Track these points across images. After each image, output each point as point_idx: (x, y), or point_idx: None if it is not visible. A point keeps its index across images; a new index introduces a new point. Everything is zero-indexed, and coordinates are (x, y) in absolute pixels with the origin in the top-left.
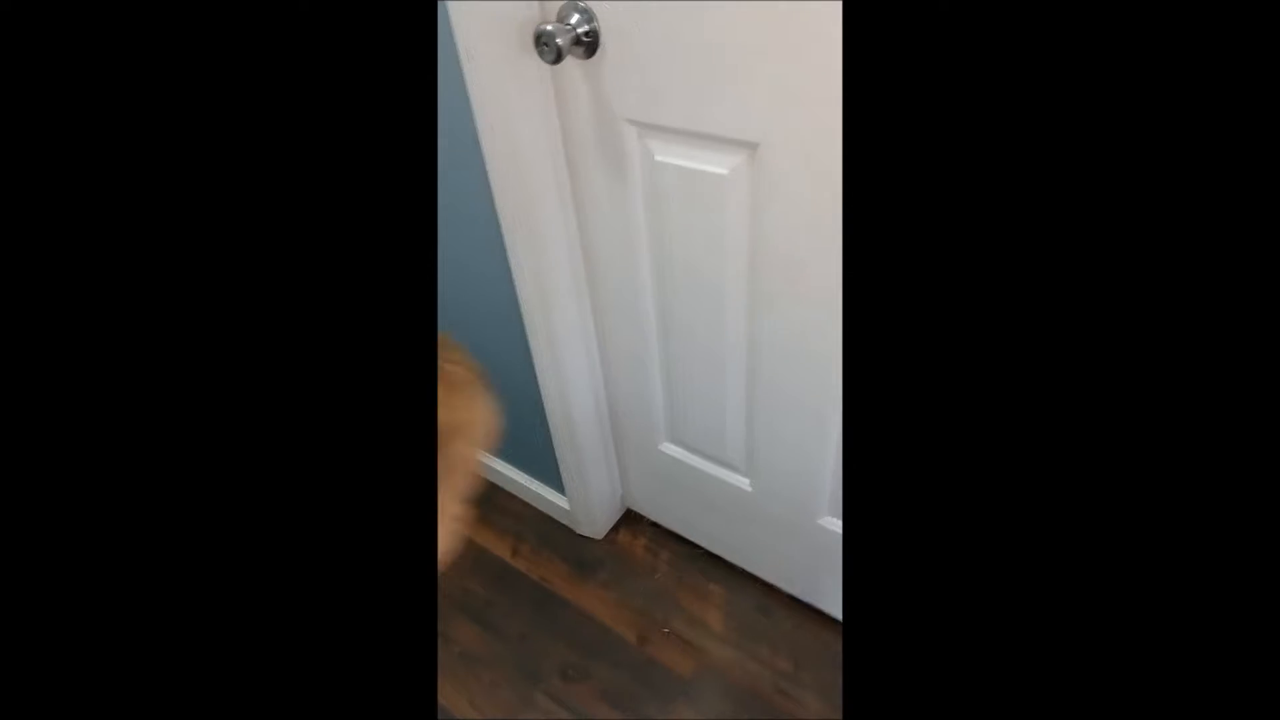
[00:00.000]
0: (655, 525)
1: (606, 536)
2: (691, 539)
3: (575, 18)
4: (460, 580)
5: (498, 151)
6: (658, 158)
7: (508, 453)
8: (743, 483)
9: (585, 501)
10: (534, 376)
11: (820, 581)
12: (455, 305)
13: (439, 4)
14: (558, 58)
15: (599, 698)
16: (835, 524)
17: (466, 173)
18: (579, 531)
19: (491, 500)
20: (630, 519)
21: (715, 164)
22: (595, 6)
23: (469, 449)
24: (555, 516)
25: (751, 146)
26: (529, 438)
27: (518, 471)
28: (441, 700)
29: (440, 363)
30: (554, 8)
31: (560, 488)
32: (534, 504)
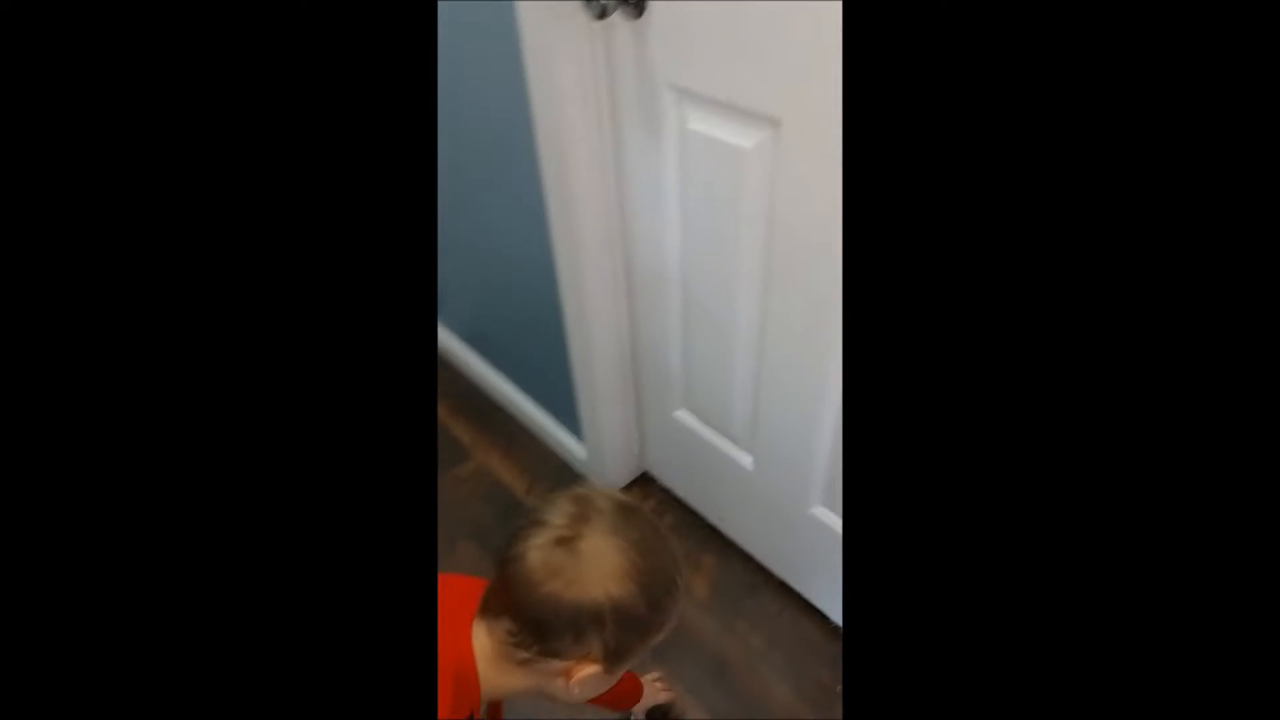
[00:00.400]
0: (666, 491)
1: (625, 491)
2: (696, 509)
3: None
4: (472, 503)
5: (544, 97)
6: (689, 125)
7: (535, 392)
8: (745, 459)
9: (600, 453)
10: (562, 320)
11: (808, 571)
12: (492, 241)
13: None
14: (603, 14)
15: None
16: (827, 515)
17: (514, 118)
18: (593, 483)
19: (516, 438)
20: (645, 481)
21: (740, 137)
22: None
23: None
24: (573, 465)
25: (775, 123)
26: (555, 382)
27: (543, 413)
28: None
29: None
30: None
31: (580, 436)
32: (555, 449)
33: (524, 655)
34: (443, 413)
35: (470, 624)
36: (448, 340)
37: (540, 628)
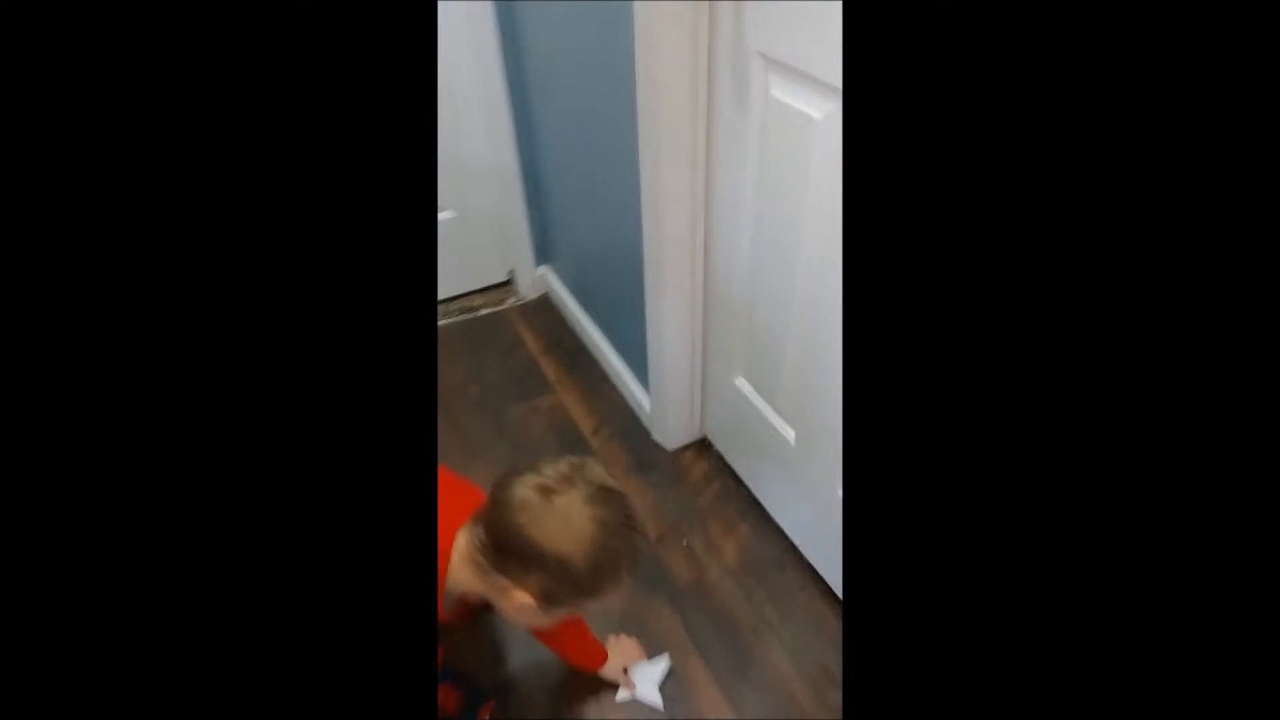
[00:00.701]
0: (720, 457)
1: (674, 451)
2: (743, 478)
3: None
4: (542, 433)
5: (648, 67)
6: (772, 92)
7: (618, 343)
8: (789, 433)
9: (664, 409)
10: (642, 272)
11: (834, 557)
12: (594, 194)
13: None
14: None
15: None
16: None
17: (619, 91)
18: (653, 437)
19: (595, 384)
20: (703, 445)
21: (813, 106)
22: None
23: None
24: (640, 417)
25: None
26: (631, 331)
27: (619, 360)
28: None
29: None
30: None
31: (650, 391)
32: (627, 400)
33: (482, 562)
34: (536, 350)
35: (459, 527)
36: (554, 285)
37: (499, 546)
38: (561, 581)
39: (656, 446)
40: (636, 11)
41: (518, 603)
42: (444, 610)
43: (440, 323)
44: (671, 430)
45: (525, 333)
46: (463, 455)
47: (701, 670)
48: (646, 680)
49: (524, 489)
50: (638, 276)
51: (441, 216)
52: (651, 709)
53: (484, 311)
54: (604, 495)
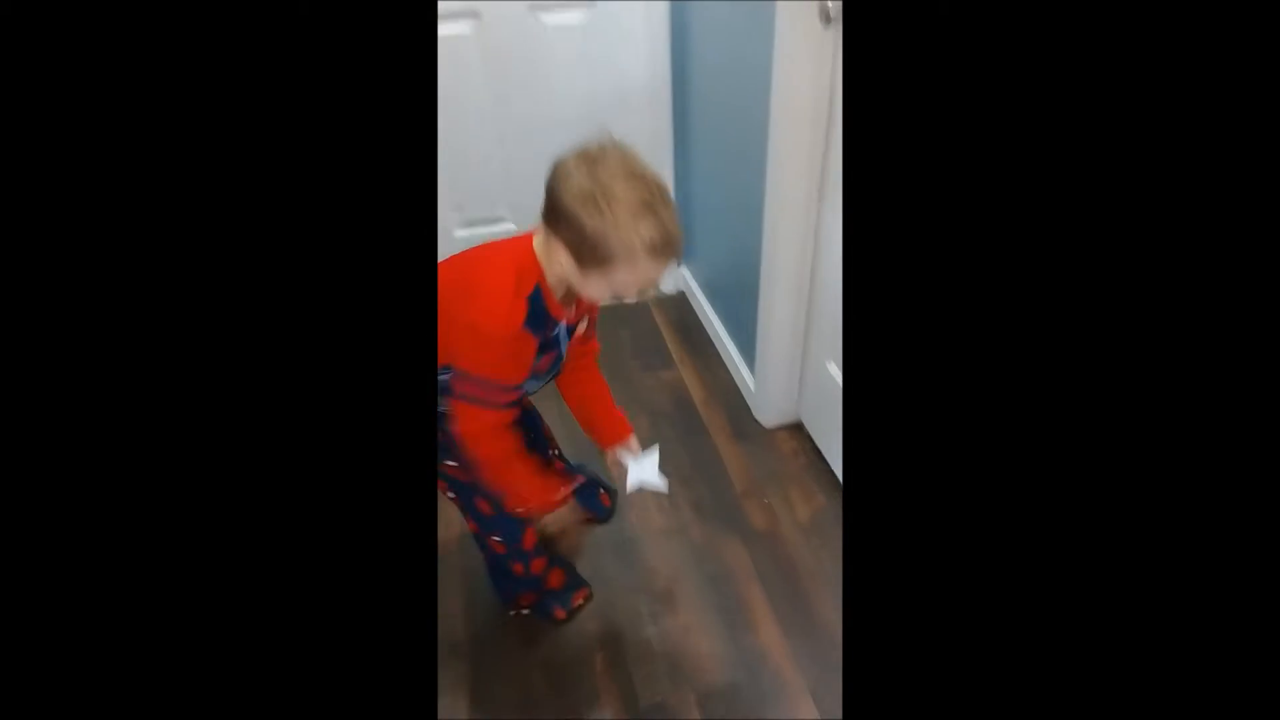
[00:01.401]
0: (810, 440)
1: (771, 429)
2: (828, 459)
3: None
4: (660, 398)
5: (783, 91)
6: None
7: (731, 325)
8: None
9: (765, 389)
10: (759, 270)
11: None
12: (726, 202)
13: None
14: (827, 20)
15: (683, 485)
16: None
17: (755, 108)
18: (754, 414)
19: (710, 362)
20: (796, 428)
21: None
22: None
23: None
24: (743, 393)
25: None
26: (745, 321)
27: (734, 346)
28: None
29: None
30: None
31: (754, 371)
32: (734, 378)
33: (543, 225)
34: (666, 333)
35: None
36: (690, 282)
37: (548, 203)
38: (582, 240)
39: (755, 422)
40: (778, 34)
41: (561, 260)
42: (559, 306)
43: None
44: (770, 409)
45: (659, 318)
46: None
47: (761, 599)
48: (649, 467)
49: (572, 161)
50: (755, 274)
51: None
52: (657, 491)
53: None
54: (639, 176)
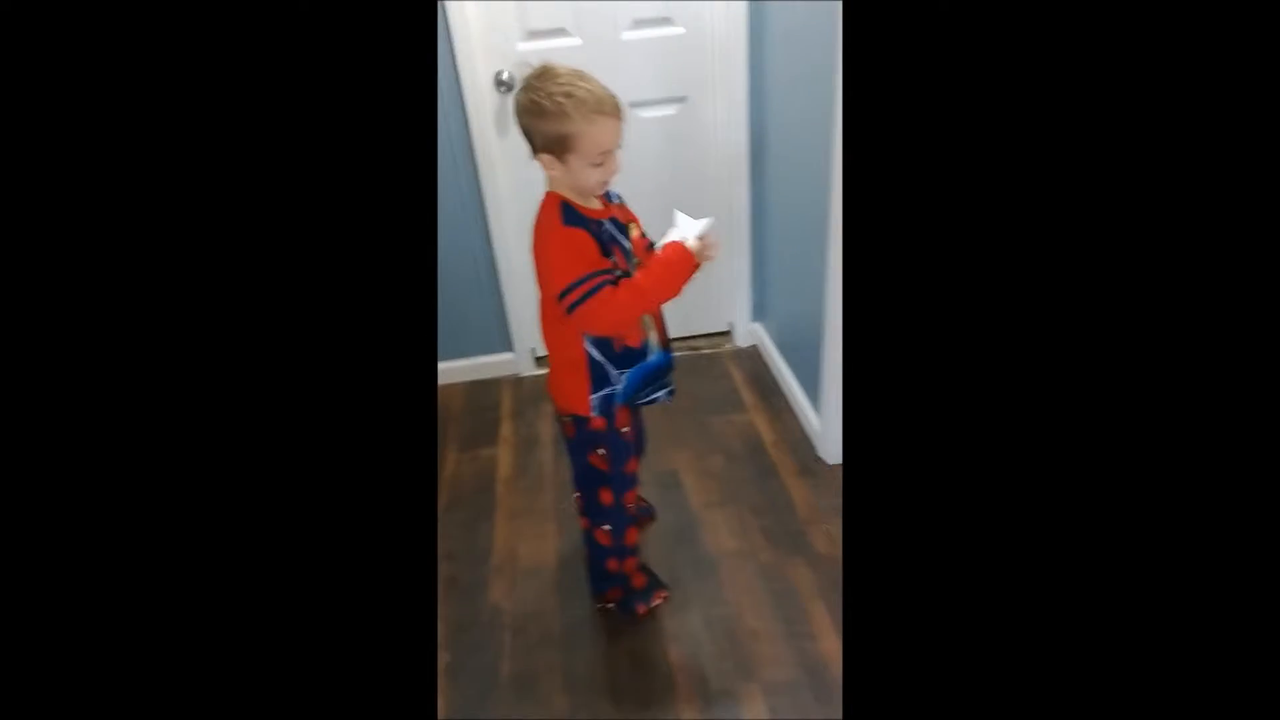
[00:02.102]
0: None
1: (833, 465)
2: None
3: None
4: (732, 439)
5: (838, 169)
6: None
7: (799, 373)
8: None
9: (827, 428)
10: (824, 323)
11: None
12: (790, 251)
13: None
14: None
15: (754, 514)
16: None
17: (817, 176)
18: (818, 454)
19: (781, 411)
20: None
21: None
22: None
23: None
24: (811, 437)
25: None
26: (811, 369)
27: (801, 392)
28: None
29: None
30: None
31: (819, 415)
32: (802, 424)
33: (537, 162)
34: (740, 382)
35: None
36: (763, 337)
37: (527, 142)
38: (548, 141)
39: (819, 459)
40: (836, 128)
41: (555, 173)
42: (586, 208)
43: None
44: (833, 447)
45: (734, 369)
46: (671, 445)
47: (823, 614)
48: (693, 223)
49: (514, 96)
50: (819, 329)
51: None
52: (706, 227)
53: (705, 351)
54: (552, 74)
